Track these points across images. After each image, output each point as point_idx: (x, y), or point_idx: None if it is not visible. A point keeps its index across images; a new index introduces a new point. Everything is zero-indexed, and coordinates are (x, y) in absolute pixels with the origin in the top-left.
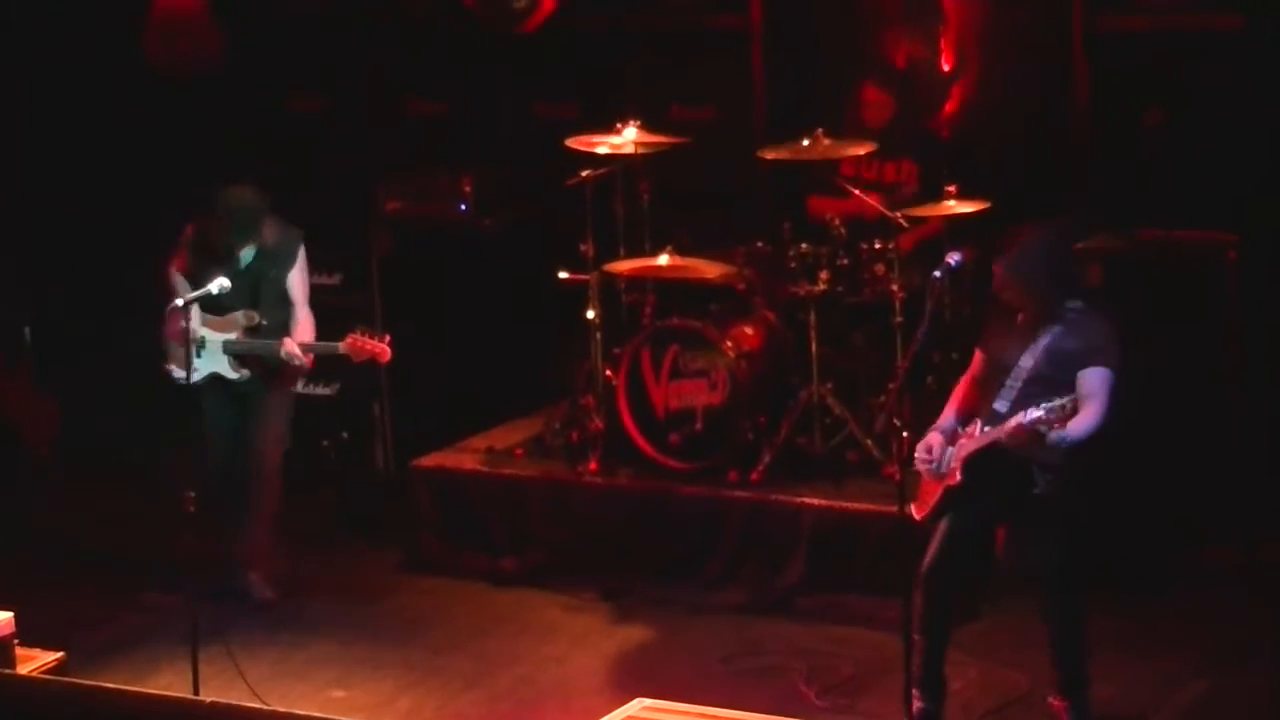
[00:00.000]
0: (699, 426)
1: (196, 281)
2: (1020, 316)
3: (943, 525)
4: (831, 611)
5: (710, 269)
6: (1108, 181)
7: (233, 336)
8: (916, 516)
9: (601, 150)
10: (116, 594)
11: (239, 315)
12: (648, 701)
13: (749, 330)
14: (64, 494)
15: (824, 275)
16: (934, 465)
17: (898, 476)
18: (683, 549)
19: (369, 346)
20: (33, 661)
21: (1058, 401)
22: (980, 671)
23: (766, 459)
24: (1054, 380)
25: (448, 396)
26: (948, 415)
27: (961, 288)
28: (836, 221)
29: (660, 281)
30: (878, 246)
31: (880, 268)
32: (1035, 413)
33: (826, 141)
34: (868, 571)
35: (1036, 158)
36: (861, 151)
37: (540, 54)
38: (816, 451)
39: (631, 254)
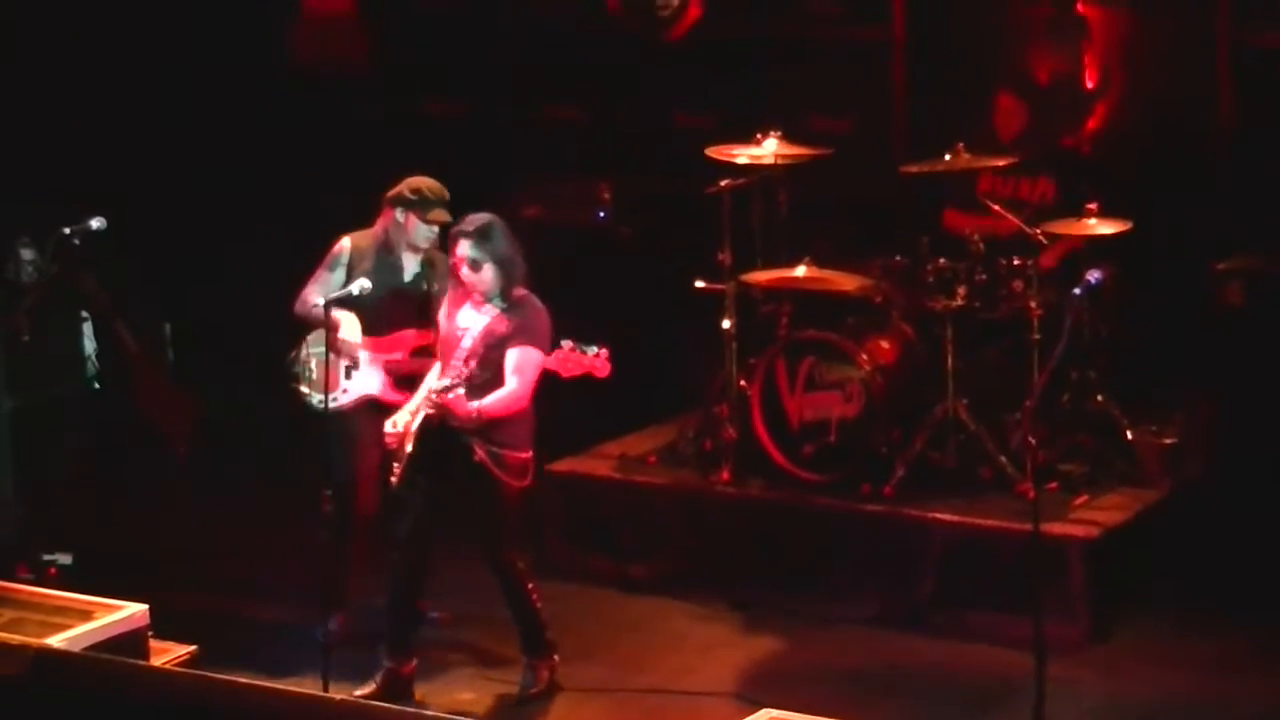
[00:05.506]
0: (832, 439)
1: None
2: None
3: (413, 496)
4: (961, 628)
5: (847, 281)
6: (1253, 199)
7: (398, 355)
8: (392, 482)
9: (741, 160)
10: (250, 593)
11: (409, 334)
12: (775, 713)
13: (885, 343)
14: (200, 491)
15: (961, 290)
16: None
17: (1031, 494)
18: (813, 560)
19: (584, 361)
20: (166, 654)
21: (453, 378)
22: (1109, 691)
23: (900, 473)
24: (486, 358)
25: (581, 402)
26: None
27: (1101, 305)
28: (975, 237)
29: (797, 292)
30: (1016, 263)
31: (1018, 284)
32: (438, 385)
33: (966, 155)
34: (998, 589)
35: (1180, 174)
36: (1001, 163)
37: (681, 62)
38: (950, 467)
39: (769, 264)
